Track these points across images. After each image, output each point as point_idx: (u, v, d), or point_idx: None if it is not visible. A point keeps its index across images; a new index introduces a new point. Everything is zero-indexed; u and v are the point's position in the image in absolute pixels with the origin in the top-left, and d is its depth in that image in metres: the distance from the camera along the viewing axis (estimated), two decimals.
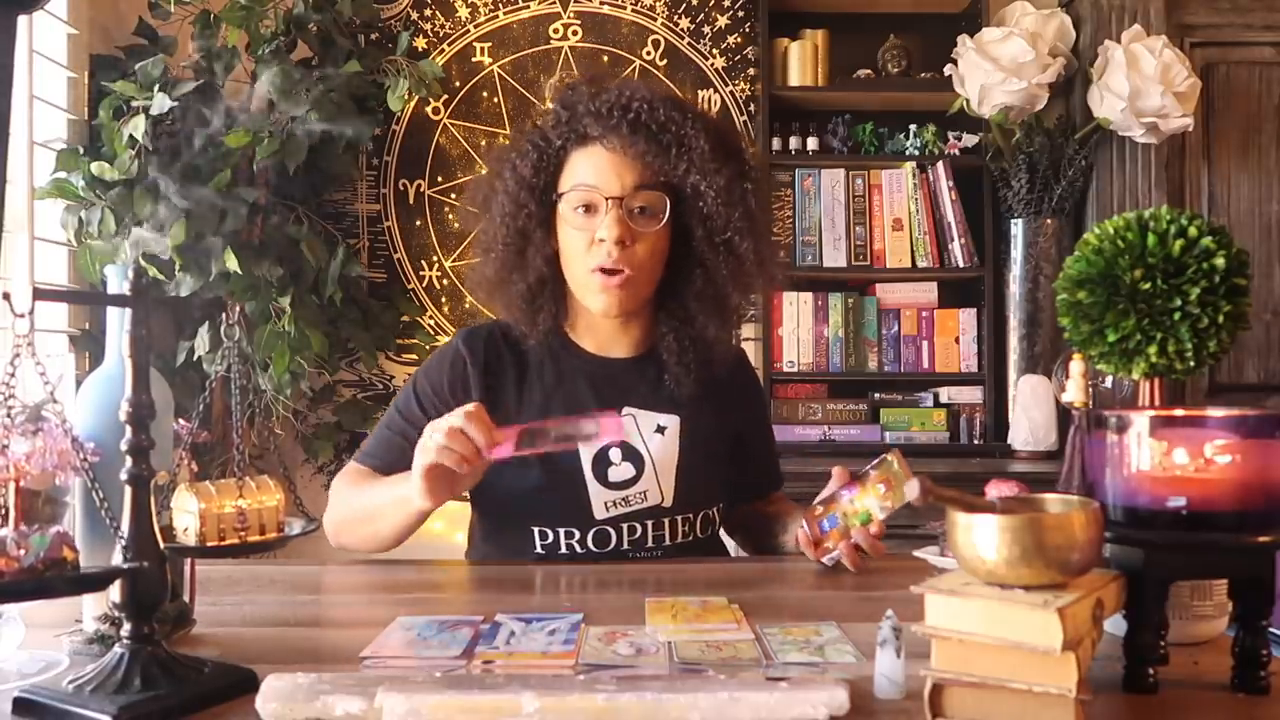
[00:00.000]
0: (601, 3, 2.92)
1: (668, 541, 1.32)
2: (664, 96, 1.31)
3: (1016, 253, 2.73)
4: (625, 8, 2.92)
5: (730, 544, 1.53)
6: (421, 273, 2.89)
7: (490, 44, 2.91)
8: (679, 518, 1.33)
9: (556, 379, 1.36)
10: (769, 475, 1.53)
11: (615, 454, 1.31)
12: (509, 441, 1.10)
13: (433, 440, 1.10)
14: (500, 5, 2.91)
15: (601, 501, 1.30)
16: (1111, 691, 0.76)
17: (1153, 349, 0.80)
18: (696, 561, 1.29)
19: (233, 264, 2.30)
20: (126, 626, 0.76)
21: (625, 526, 1.30)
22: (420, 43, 2.88)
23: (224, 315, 0.86)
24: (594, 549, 1.30)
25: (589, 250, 1.28)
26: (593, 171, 1.28)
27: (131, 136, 2.30)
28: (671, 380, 1.36)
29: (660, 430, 1.34)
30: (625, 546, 1.30)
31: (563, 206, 1.31)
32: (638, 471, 1.31)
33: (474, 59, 2.91)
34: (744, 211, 1.30)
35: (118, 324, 0.91)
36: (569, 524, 1.29)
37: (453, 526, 2.06)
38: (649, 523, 1.31)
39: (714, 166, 1.27)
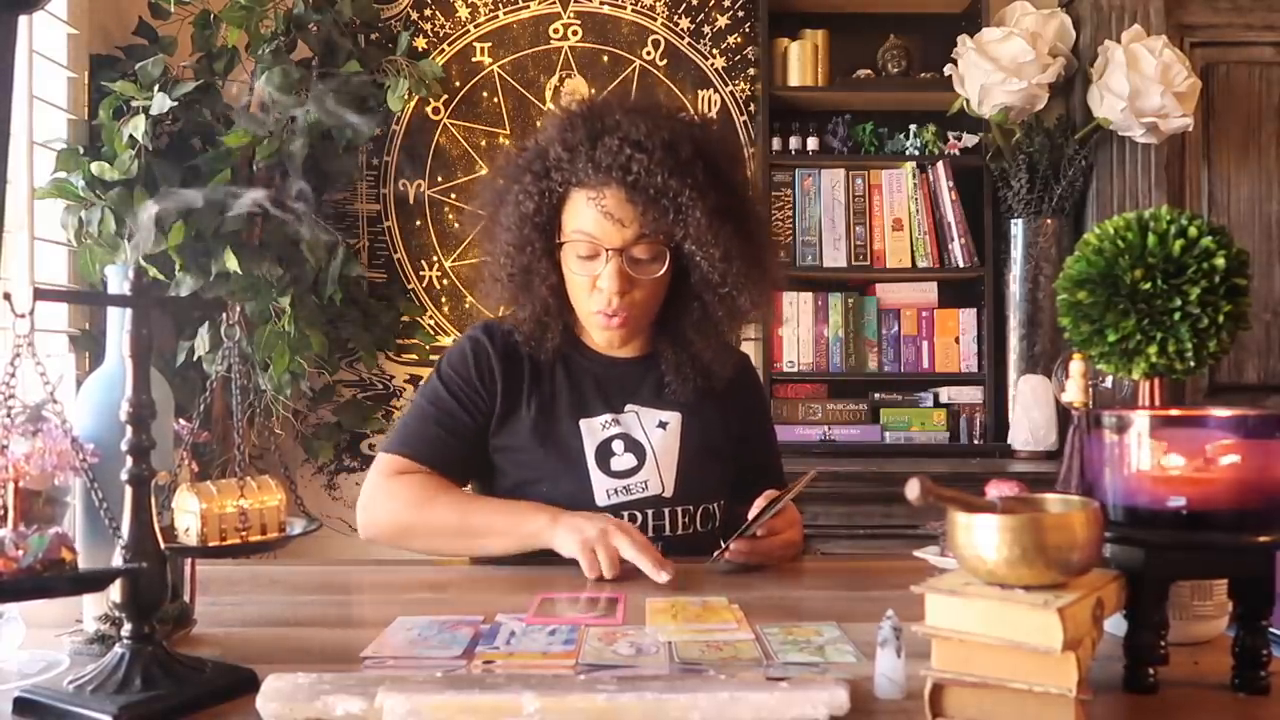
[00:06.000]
0: (601, 3, 2.92)
1: (668, 531, 1.35)
2: (664, 148, 1.27)
3: (1016, 253, 2.73)
4: (625, 8, 2.92)
5: None
6: (421, 273, 2.89)
7: (490, 44, 2.91)
8: (679, 509, 1.35)
9: (566, 377, 1.40)
10: (769, 475, 1.51)
11: (618, 445, 1.36)
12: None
13: (612, 539, 1.17)
14: (500, 5, 2.91)
15: (603, 489, 1.33)
16: (1111, 691, 0.76)
17: (1153, 349, 0.80)
18: (696, 561, 1.30)
19: (233, 264, 2.30)
20: (127, 626, 0.76)
21: (626, 515, 1.32)
22: (420, 43, 2.88)
23: (224, 315, 0.86)
24: None
25: (590, 293, 1.33)
26: (593, 221, 1.29)
27: (131, 136, 2.30)
28: (673, 384, 1.40)
29: (662, 425, 1.39)
30: None
31: (565, 249, 1.34)
32: (639, 462, 1.35)
33: (474, 59, 2.90)
34: (741, 265, 1.31)
35: (118, 324, 0.91)
36: (572, 510, 1.30)
37: None
38: (649, 512, 1.34)
39: (711, 236, 1.28)
